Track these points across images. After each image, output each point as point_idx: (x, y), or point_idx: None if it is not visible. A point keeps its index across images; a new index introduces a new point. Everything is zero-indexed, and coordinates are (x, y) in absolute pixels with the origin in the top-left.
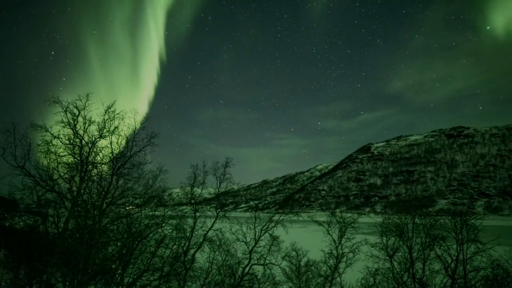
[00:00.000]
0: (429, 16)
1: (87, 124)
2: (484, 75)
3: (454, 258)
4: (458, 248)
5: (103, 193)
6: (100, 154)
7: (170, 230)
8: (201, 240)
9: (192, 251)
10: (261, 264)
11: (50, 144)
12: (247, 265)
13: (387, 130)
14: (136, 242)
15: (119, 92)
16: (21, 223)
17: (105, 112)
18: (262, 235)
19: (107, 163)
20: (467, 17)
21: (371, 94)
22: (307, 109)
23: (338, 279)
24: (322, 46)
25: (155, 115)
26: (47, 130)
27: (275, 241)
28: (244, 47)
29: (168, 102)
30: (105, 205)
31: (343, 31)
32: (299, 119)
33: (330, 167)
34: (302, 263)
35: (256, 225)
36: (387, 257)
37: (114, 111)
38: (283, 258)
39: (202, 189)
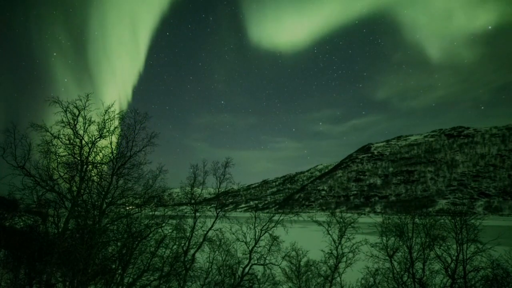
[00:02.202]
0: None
1: (87, 124)
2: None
3: (454, 258)
4: (458, 248)
5: (103, 193)
6: (100, 154)
7: (170, 230)
8: (201, 240)
9: (192, 251)
10: (261, 264)
11: (50, 144)
12: (247, 265)
13: (378, 134)
14: (136, 242)
15: (120, 92)
16: (21, 223)
17: (105, 112)
18: (262, 235)
19: (107, 163)
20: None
21: (361, 99)
22: (308, 109)
23: (338, 279)
24: (324, 46)
25: (157, 116)
26: (47, 130)
27: (275, 241)
28: (246, 48)
29: (170, 103)
30: (105, 205)
31: (344, 31)
32: (300, 120)
33: (330, 167)
34: (302, 263)
35: (256, 225)
36: (387, 257)
37: (114, 111)
38: (283, 258)
39: (202, 189)
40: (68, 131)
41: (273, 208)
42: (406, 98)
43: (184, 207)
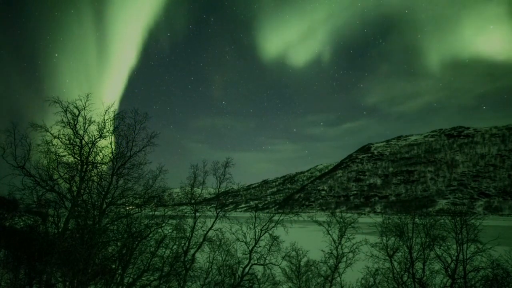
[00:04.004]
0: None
1: (87, 124)
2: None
3: (454, 258)
4: (458, 248)
5: (103, 193)
6: (100, 154)
7: (170, 230)
8: (201, 240)
9: (192, 251)
10: (261, 264)
11: (50, 144)
12: (247, 265)
13: (371, 138)
14: (136, 242)
15: (121, 92)
16: (21, 223)
17: (105, 112)
18: (262, 235)
19: (107, 163)
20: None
21: (355, 103)
22: (309, 110)
23: (338, 279)
24: (325, 46)
25: (158, 116)
26: (47, 130)
27: (275, 241)
28: (247, 48)
29: (171, 103)
30: (105, 205)
31: (345, 31)
32: (300, 121)
33: (330, 167)
34: (302, 263)
35: (256, 225)
36: (387, 257)
37: (114, 111)
38: (283, 258)
39: (202, 189)
40: (68, 131)
41: (273, 208)
42: (395, 103)
43: (184, 207)
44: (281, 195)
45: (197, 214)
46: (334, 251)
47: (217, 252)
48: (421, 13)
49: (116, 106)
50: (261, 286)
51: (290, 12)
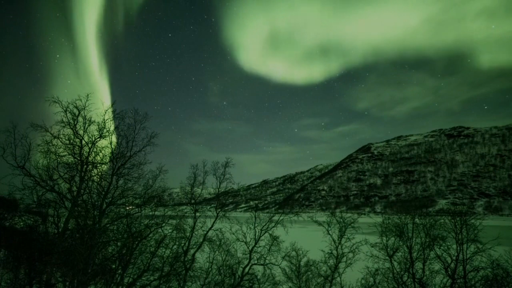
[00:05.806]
0: None
1: (87, 124)
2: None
3: (454, 258)
4: (458, 248)
5: (103, 193)
6: (100, 154)
7: (170, 230)
8: (201, 240)
9: (192, 251)
10: (261, 264)
11: (50, 144)
12: (247, 265)
13: (367, 140)
14: (136, 242)
15: (122, 93)
16: (21, 223)
17: (105, 112)
18: (262, 235)
19: (107, 163)
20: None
21: (347, 107)
22: (311, 110)
23: (338, 279)
24: (326, 46)
25: (159, 117)
26: (47, 130)
27: (275, 241)
28: (248, 48)
29: (172, 104)
30: (105, 205)
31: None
32: (302, 121)
33: (330, 167)
34: (302, 263)
35: (256, 225)
36: (387, 257)
37: (114, 111)
38: (283, 258)
39: (202, 189)
40: (68, 131)
41: (273, 208)
42: (384, 108)
43: (184, 207)
44: (281, 195)
45: (197, 214)
46: (334, 251)
47: (217, 252)
48: None
49: (116, 106)
50: (261, 286)
51: (290, 11)
